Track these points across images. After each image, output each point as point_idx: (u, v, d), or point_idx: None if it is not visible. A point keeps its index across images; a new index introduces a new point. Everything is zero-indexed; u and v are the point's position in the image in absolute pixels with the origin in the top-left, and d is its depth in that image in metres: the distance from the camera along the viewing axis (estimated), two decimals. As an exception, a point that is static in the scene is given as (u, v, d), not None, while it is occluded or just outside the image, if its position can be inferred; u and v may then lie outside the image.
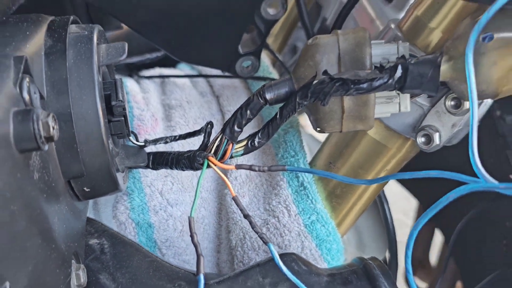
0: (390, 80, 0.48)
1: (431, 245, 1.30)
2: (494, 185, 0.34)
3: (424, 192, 1.08)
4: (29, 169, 0.41)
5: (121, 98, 0.55)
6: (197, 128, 0.60)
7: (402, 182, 1.11)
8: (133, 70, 0.87)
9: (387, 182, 0.68)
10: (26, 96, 0.41)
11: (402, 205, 1.68)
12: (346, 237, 0.85)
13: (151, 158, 0.60)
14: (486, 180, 0.36)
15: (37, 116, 0.38)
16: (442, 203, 0.37)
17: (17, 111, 0.38)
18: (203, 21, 0.64)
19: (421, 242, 1.30)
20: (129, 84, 0.82)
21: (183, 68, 0.91)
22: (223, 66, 0.69)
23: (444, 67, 0.48)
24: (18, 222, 0.39)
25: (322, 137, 0.74)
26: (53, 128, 0.39)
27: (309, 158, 0.71)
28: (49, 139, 0.39)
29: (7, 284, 0.37)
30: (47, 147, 0.40)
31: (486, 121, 0.78)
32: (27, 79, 0.42)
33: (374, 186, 0.67)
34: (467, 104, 0.54)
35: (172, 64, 0.90)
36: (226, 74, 0.75)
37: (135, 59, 0.88)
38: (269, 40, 0.98)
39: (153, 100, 0.79)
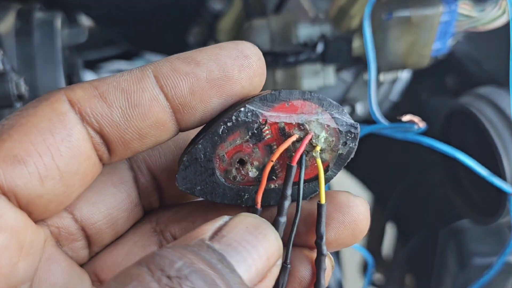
0: (313, 55, 0.57)
1: (383, 239, 1.37)
2: (384, 125, 0.43)
3: (375, 182, 1.16)
4: (3, 126, 0.48)
5: (80, 78, 0.62)
6: None
7: (357, 175, 1.18)
8: (93, 65, 0.95)
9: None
10: (0, 65, 0.49)
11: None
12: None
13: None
14: (381, 122, 0.44)
15: (11, 78, 0.45)
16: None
17: (-6, 74, 0.45)
18: (155, 14, 0.72)
19: (374, 236, 1.38)
20: (90, 77, 0.89)
21: (140, 64, 0.99)
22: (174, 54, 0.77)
23: (356, 44, 0.57)
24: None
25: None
26: (24, 88, 0.47)
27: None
28: (21, 97, 0.46)
29: None
30: (18, 105, 0.47)
31: (414, 105, 0.88)
32: (1, 52, 0.49)
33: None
34: (381, 77, 0.64)
35: (128, 57, 0.98)
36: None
37: (94, 55, 0.96)
38: (221, 36, 1.07)
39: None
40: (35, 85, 0.55)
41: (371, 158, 0.96)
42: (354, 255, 1.21)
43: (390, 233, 1.27)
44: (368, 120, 0.65)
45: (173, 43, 0.76)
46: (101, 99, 0.27)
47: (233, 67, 0.29)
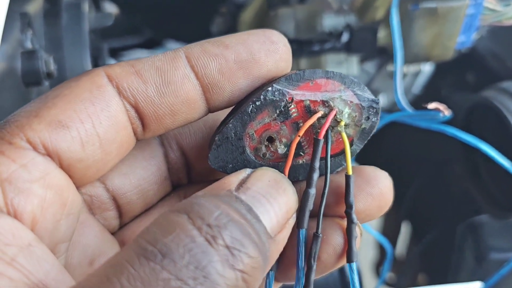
0: (338, 44, 0.57)
1: (398, 238, 1.36)
2: (409, 112, 0.43)
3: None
4: (31, 103, 0.49)
5: (105, 61, 0.63)
6: None
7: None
8: (116, 53, 0.95)
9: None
10: (29, 44, 0.49)
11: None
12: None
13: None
14: (406, 109, 0.44)
15: (41, 55, 0.46)
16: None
17: (25, 51, 0.46)
18: (179, 2, 0.73)
19: (389, 235, 1.37)
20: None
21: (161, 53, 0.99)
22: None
23: (381, 34, 0.57)
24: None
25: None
26: (53, 66, 0.47)
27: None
28: (50, 75, 0.47)
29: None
30: (47, 83, 0.48)
31: (435, 99, 0.88)
32: (31, 32, 0.50)
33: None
34: (404, 69, 0.64)
35: (151, 46, 0.99)
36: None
37: (116, 43, 0.96)
38: (243, 28, 1.07)
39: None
40: (62, 66, 0.56)
41: (387, 155, 0.96)
42: (366, 253, 1.21)
43: (404, 231, 1.26)
44: (391, 111, 0.65)
45: (196, 32, 0.77)
46: (137, 76, 0.29)
47: (260, 51, 0.30)
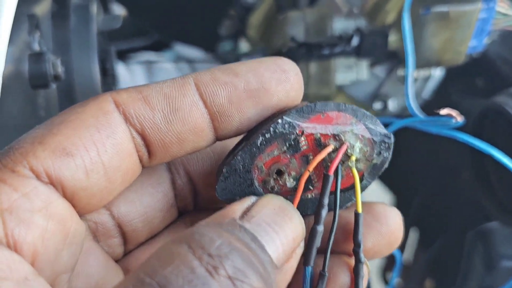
0: (348, 48, 0.56)
1: (405, 244, 1.34)
2: (421, 118, 0.43)
3: (399, 185, 1.15)
4: (37, 106, 0.48)
5: (113, 64, 0.63)
6: None
7: (380, 178, 1.16)
8: (123, 55, 0.95)
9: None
10: (37, 46, 0.49)
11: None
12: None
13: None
14: (417, 115, 0.44)
15: (49, 58, 0.46)
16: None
17: (32, 54, 0.46)
18: (188, 4, 0.72)
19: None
20: (119, 68, 0.90)
21: (169, 56, 0.99)
22: (205, 46, 0.77)
23: (392, 38, 0.56)
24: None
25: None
26: (61, 69, 0.47)
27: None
28: (57, 77, 0.47)
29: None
30: (54, 86, 0.48)
31: (446, 105, 0.87)
32: (38, 34, 0.50)
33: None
34: (415, 73, 0.63)
35: (158, 48, 0.99)
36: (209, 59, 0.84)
37: (124, 45, 0.96)
38: (251, 31, 1.07)
39: (139, 81, 0.88)
40: (70, 68, 0.55)
41: (396, 161, 0.95)
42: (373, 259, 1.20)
43: (411, 237, 1.25)
44: (401, 116, 0.64)
45: (204, 35, 0.76)
46: (144, 102, 0.28)
47: (270, 80, 0.29)
